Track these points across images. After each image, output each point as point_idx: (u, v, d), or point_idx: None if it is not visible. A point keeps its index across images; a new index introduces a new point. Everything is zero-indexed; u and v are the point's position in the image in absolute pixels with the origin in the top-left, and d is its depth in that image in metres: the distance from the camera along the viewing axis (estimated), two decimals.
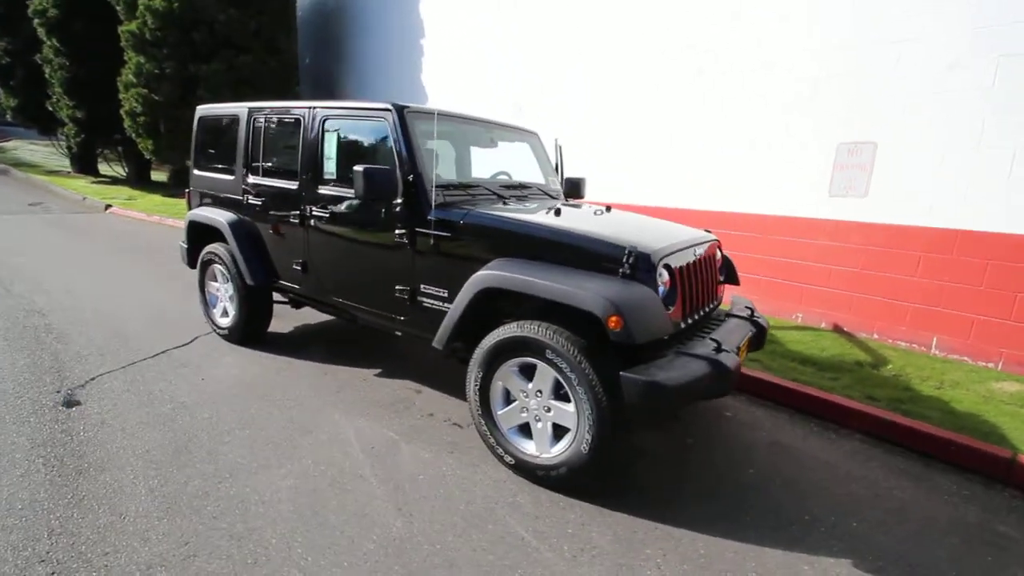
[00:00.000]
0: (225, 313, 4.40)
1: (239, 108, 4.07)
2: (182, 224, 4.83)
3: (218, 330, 4.39)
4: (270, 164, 3.87)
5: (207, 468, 2.65)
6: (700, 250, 2.95)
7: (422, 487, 2.57)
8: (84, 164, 17.51)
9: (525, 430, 2.68)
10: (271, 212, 3.84)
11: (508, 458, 2.66)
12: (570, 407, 2.45)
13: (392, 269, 3.16)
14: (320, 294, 3.71)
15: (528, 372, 2.60)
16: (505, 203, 3.19)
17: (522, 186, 3.69)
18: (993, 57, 3.92)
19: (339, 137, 3.40)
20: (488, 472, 2.72)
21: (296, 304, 4.39)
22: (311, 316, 5.09)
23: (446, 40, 10.13)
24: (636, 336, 2.20)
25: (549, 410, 2.54)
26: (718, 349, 2.47)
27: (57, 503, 2.32)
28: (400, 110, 3.05)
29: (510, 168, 3.98)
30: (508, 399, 2.72)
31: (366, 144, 3.33)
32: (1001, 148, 3.96)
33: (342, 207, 3.34)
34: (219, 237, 4.24)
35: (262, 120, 3.85)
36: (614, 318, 2.19)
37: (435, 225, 2.90)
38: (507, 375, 2.64)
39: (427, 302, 3.06)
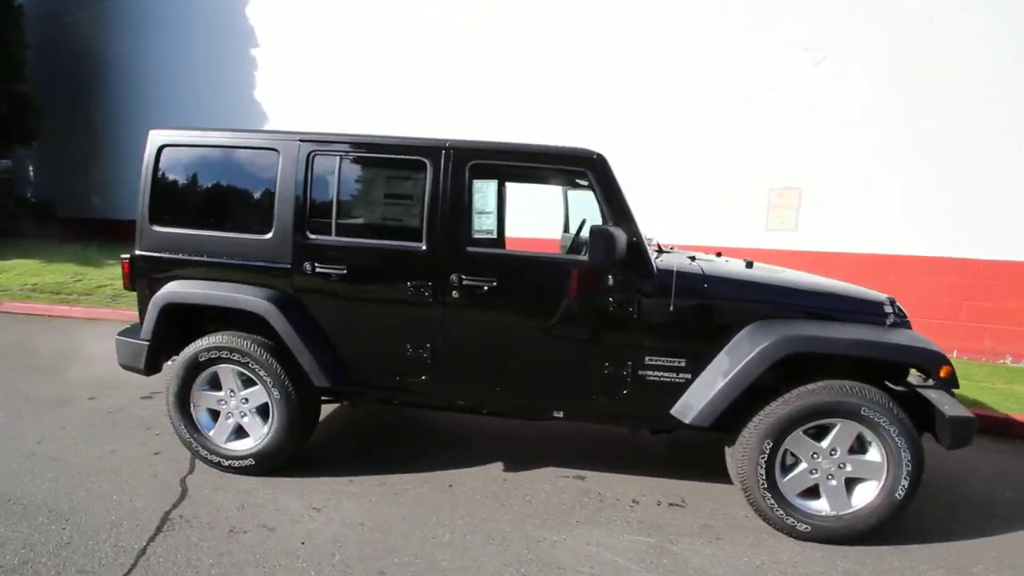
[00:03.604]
0: (239, 434, 3.00)
1: (274, 139, 2.85)
2: None
3: (228, 461, 2.95)
4: (358, 219, 2.83)
5: None
6: None
7: None
8: None
9: (806, 493, 2.61)
10: (364, 283, 2.80)
11: (802, 527, 2.54)
12: (873, 457, 2.49)
13: (601, 343, 2.68)
14: (455, 386, 2.86)
15: (815, 432, 2.55)
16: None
17: None
18: (883, 123, 5.45)
19: (499, 187, 2.73)
20: (782, 548, 2.53)
21: (354, 402, 3.28)
22: None
23: (296, 53, 8.73)
24: (957, 380, 2.40)
25: (843, 466, 2.54)
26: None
27: None
28: (605, 160, 2.63)
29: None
30: (784, 464, 2.60)
31: (546, 198, 2.75)
32: (887, 193, 5.49)
33: (522, 274, 2.69)
34: (234, 324, 2.90)
35: (336, 158, 2.78)
36: (946, 367, 2.36)
37: (676, 292, 2.59)
38: (796, 440, 2.53)
39: (653, 375, 2.68)
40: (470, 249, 2.72)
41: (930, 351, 2.41)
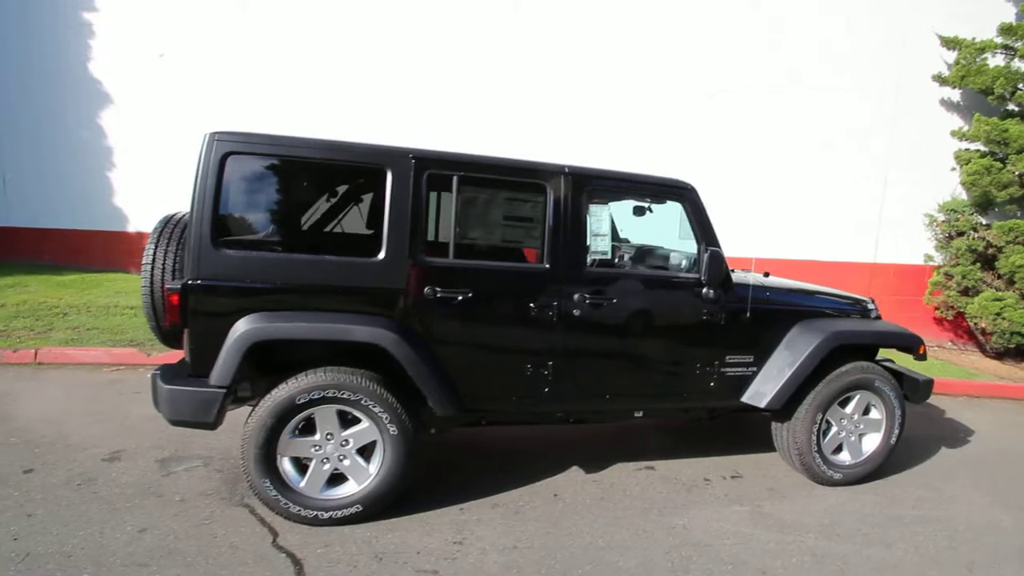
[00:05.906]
0: (335, 479, 2.68)
1: (379, 155, 2.59)
2: None
3: (328, 513, 2.61)
4: (476, 240, 2.75)
5: None
6: None
7: (879, 530, 2.90)
8: None
9: (835, 450, 3.38)
10: (489, 305, 2.75)
11: (836, 476, 3.30)
12: (876, 416, 3.37)
13: (697, 348, 3.10)
14: (569, 400, 2.98)
15: (841, 403, 3.32)
16: None
17: None
18: (752, 155, 6.90)
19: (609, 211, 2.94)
20: (827, 495, 3.25)
21: (444, 428, 3.15)
22: None
23: (155, 25, 7.32)
24: (926, 355, 3.39)
25: (858, 425, 3.37)
26: None
27: None
28: (696, 190, 3.05)
29: None
30: (819, 430, 3.33)
31: (642, 221, 3.03)
32: (758, 209, 6.99)
33: (634, 291, 2.94)
34: (334, 358, 2.61)
35: (453, 178, 2.67)
36: (923, 347, 3.32)
37: (752, 302, 3.13)
38: (832, 411, 3.28)
39: (730, 371, 3.19)
40: (591, 269, 2.89)
41: (915, 336, 3.38)
